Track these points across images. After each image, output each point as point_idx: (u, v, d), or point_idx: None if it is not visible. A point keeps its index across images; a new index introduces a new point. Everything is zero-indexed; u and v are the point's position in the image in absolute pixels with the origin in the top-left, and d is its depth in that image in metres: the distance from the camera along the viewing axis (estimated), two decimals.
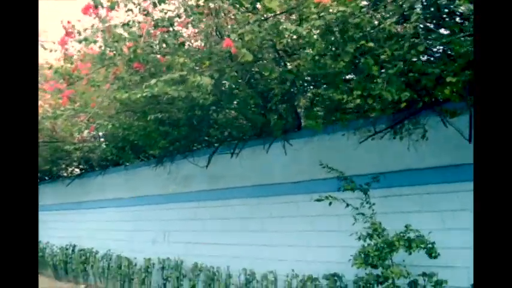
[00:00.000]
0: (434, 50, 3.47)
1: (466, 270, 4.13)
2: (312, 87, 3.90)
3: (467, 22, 3.37)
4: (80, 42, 4.49)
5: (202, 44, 4.40)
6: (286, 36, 3.22)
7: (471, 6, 2.48)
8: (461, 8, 3.30)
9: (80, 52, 5.19)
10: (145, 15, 4.35)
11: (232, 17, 3.83)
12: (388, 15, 2.89)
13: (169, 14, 4.40)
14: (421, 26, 2.96)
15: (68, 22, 4.62)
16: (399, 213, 4.56)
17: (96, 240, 8.14)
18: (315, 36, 3.04)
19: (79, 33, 4.51)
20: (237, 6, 3.58)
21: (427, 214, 4.43)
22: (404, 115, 4.31)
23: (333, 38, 3.23)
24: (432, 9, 2.83)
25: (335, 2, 2.98)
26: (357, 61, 3.28)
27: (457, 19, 3.44)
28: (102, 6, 4.27)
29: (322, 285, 4.79)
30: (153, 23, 4.58)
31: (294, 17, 3.40)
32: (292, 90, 4.16)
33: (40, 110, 6.17)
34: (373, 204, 4.49)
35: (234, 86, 4.04)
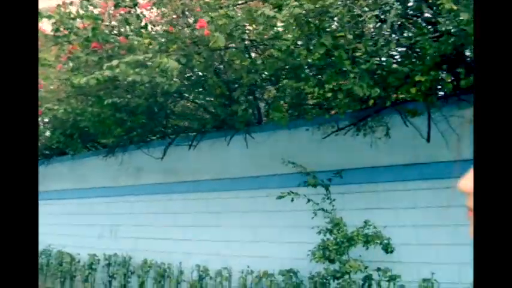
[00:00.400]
0: (403, 49, 3.55)
1: (417, 266, 4.30)
2: (282, 78, 3.84)
3: (432, 25, 3.49)
4: None
5: (167, 28, 4.20)
6: (261, 22, 3.13)
7: (453, 6, 2.54)
8: (427, 11, 3.42)
9: None
10: None
11: (203, 0, 3.68)
12: (367, 9, 2.90)
13: None
14: (398, 23, 3.01)
15: None
16: (357, 209, 4.64)
17: None
18: (293, 26, 2.98)
19: None
20: None
21: (383, 211, 4.55)
22: (367, 112, 4.39)
23: (307, 29, 3.20)
24: (409, 6, 2.88)
25: None
26: (331, 54, 3.27)
27: (424, 20, 3.56)
28: None
29: (278, 281, 4.75)
30: (114, 2, 4.33)
31: (268, 4, 3.32)
32: (260, 81, 4.09)
33: None
34: (334, 200, 4.55)
35: (200, 74, 3.88)
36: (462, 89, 3.61)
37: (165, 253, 5.76)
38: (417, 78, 3.24)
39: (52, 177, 7.47)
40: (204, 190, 5.77)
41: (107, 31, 4.23)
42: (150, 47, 3.80)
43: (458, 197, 0.74)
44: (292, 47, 3.19)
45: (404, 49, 3.48)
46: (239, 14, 3.35)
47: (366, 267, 4.19)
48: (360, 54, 3.14)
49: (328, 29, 3.23)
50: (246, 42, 3.49)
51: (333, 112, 4.49)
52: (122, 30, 4.29)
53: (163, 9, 4.11)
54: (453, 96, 3.93)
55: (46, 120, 6.27)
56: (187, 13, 3.72)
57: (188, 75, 4.05)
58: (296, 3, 2.76)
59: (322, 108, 4.06)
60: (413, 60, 3.38)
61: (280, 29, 3.24)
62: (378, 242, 4.26)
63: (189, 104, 5.39)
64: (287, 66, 3.68)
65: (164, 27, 3.92)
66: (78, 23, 4.32)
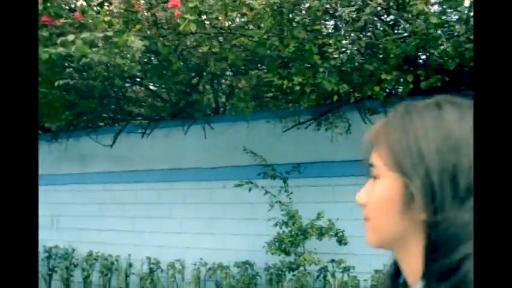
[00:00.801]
0: (369, 47, 3.64)
1: (370, 258, 4.48)
2: (249, 69, 3.78)
3: (398, 26, 3.62)
4: None
5: (129, 7, 3.95)
6: (235, 9, 3.04)
7: (425, 8, 2.63)
8: (395, 12, 3.54)
9: None
10: None
11: None
12: (345, 2, 2.92)
13: None
14: (375, 19, 3.07)
15: None
16: (313, 202, 4.73)
17: None
18: (268, 16, 2.93)
19: None
20: None
21: (337, 204, 4.67)
22: (327, 108, 4.48)
23: (280, 20, 3.17)
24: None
25: None
26: (301, 48, 3.27)
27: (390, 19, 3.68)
28: None
29: (233, 273, 4.72)
30: None
31: None
32: (227, 70, 3.99)
33: None
34: (291, 193, 4.60)
35: (164, 58, 3.71)
36: (418, 90, 3.79)
37: (113, 245, 5.49)
38: (383, 77, 3.34)
39: None
40: (157, 180, 5.57)
41: (62, 4, 3.90)
42: (111, 27, 3.55)
43: None
44: (265, 36, 3.14)
45: (369, 47, 3.56)
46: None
47: (320, 261, 4.29)
48: (331, 50, 3.17)
49: (300, 22, 3.22)
50: (216, 29, 3.38)
51: (293, 105, 4.51)
52: (78, 4, 3.98)
53: None
54: (407, 97, 4.12)
55: None
56: None
57: (151, 59, 3.84)
58: None
59: (288, 101, 4.06)
60: (377, 59, 3.47)
61: (253, 18, 3.17)
62: (332, 234, 4.38)
63: (145, 89, 5.15)
64: (257, 58, 3.63)
65: (127, 5, 3.69)
66: None
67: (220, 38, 3.54)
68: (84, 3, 4.06)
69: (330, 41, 3.24)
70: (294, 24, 3.23)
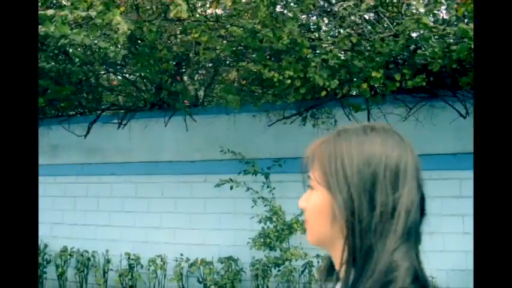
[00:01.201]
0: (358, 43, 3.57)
1: None
2: (239, 60, 3.64)
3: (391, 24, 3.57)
4: None
5: None
6: None
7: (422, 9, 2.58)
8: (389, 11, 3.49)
9: None
10: None
11: None
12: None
13: None
14: (366, 17, 3.00)
15: None
16: (296, 198, 4.67)
17: None
18: (263, 5, 2.80)
19: None
20: None
21: None
22: (312, 103, 4.41)
23: (274, 11, 3.05)
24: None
25: None
26: (294, 41, 3.16)
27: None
28: None
29: (217, 269, 4.62)
30: None
31: None
32: (214, 60, 3.84)
33: None
34: (274, 188, 4.53)
35: (149, 44, 3.51)
36: (403, 88, 3.78)
37: (88, 240, 5.26)
38: (374, 74, 3.30)
39: None
40: (134, 173, 5.36)
41: None
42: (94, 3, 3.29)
43: None
44: (259, 27, 3.02)
45: (358, 44, 3.49)
46: None
47: (306, 254, 4.26)
48: (325, 45, 3.09)
49: (295, 15, 3.11)
50: (206, 18, 3.22)
51: (279, 99, 4.41)
52: None
53: None
54: (389, 95, 4.11)
55: None
56: None
57: (136, 46, 3.62)
58: None
59: (275, 95, 3.95)
60: (364, 56, 3.41)
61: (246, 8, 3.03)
62: None
63: (122, 78, 4.90)
64: (245, 50, 3.50)
65: None
66: None
67: (211, 26, 3.38)
68: None
69: (321, 36, 3.16)
70: (289, 14, 3.11)
